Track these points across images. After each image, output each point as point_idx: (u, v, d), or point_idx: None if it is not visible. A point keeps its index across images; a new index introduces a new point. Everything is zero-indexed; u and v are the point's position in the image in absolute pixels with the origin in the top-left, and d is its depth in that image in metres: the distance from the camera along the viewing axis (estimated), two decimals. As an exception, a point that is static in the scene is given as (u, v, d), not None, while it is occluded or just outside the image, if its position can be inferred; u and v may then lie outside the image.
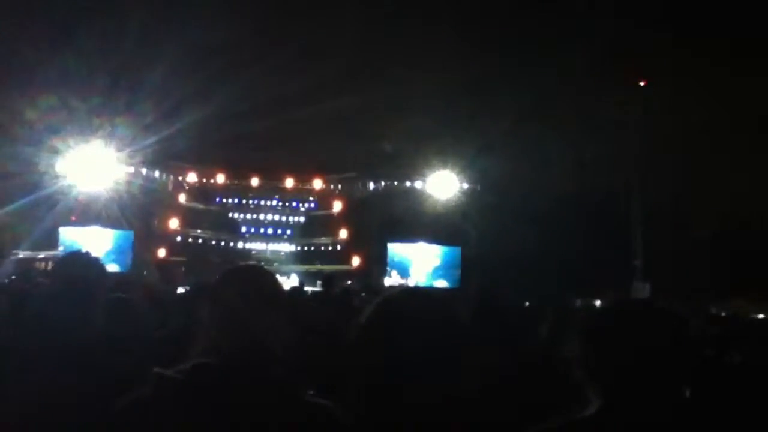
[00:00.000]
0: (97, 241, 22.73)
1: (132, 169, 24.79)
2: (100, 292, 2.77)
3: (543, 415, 1.64)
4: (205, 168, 27.59)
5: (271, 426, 1.51)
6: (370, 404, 1.68)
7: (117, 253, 22.97)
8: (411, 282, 25.30)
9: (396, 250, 25.73)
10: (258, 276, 1.76)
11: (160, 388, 1.54)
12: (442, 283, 24.51)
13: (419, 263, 25.46)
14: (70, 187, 22.34)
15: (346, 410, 1.61)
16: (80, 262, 2.81)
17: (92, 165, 22.52)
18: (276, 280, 1.82)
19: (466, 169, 25.50)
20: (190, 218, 27.79)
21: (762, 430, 2.21)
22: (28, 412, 2.14)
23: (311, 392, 1.67)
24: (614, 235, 22.19)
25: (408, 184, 27.24)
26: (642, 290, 20.30)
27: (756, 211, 21.69)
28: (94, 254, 3.04)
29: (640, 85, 21.87)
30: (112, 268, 18.78)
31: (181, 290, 6.30)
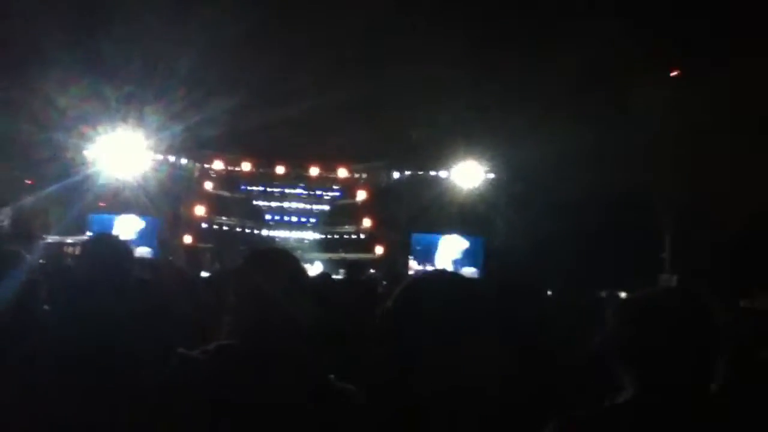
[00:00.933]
0: (126, 227, 23.06)
1: (160, 157, 25.06)
2: (129, 274, 2.81)
3: (572, 404, 1.63)
4: (231, 156, 27.79)
5: (292, 408, 1.51)
6: (393, 386, 1.68)
7: (145, 238, 23.27)
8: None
9: (420, 240, 25.72)
10: (282, 259, 1.77)
11: (183, 368, 1.55)
12: (466, 272, 24.43)
13: (443, 253, 25.42)
14: (99, 173, 22.63)
15: (368, 395, 1.61)
16: (108, 244, 2.86)
17: (121, 152, 22.79)
18: (299, 264, 1.82)
19: (492, 159, 25.33)
20: (216, 205, 28.05)
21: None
22: (63, 391, 2.18)
23: (332, 376, 1.67)
24: (642, 228, 21.94)
25: (433, 173, 27.17)
26: (669, 283, 20.08)
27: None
28: (121, 238, 3.09)
29: (671, 76, 21.52)
30: (142, 251, 19.04)
31: (204, 275, 6.36)
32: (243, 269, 1.77)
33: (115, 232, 22.66)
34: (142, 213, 23.77)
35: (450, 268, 24.55)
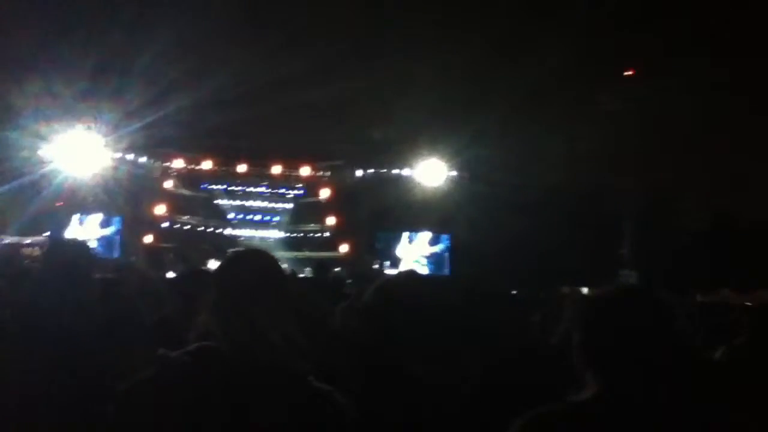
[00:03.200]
0: (85, 227, 22.63)
1: (118, 155, 24.61)
2: (90, 278, 2.76)
3: (539, 399, 1.65)
4: (192, 154, 27.43)
5: (275, 408, 1.51)
6: (368, 385, 1.69)
7: (105, 238, 22.88)
8: (400, 269, 25.43)
9: (384, 238, 25.81)
10: (261, 260, 1.76)
11: (165, 370, 1.53)
12: (427, 270, 24.61)
13: (407, 251, 25.57)
14: (56, 172, 22.14)
15: (346, 394, 1.62)
16: (70, 248, 2.81)
17: (78, 150, 22.32)
18: (278, 265, 1.81)
19: (456, 157, 25.51)
20: (177, 204, 27.66)
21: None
22: (26, 394, 2.13)
23: (311, 377, 1.67)
24: (603, 226, 22.33)
25: (397, 171, 27.25)
26: (629, 278, 20.47)
27: (744, 201, 21.94)
28: (82, 240, 3.03)
29: (630, 76, 21.91)
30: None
31: (170, 275, 6.27)
32: (222, 271, 1.75)
33: (73, 232, 22.20)
34: (100, 212, 23.35)
35: (412, 266, 24.70)
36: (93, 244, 20.81)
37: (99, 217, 23.24)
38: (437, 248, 25.60)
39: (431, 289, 1.80)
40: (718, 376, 3.12)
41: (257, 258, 1.77)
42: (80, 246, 2.92)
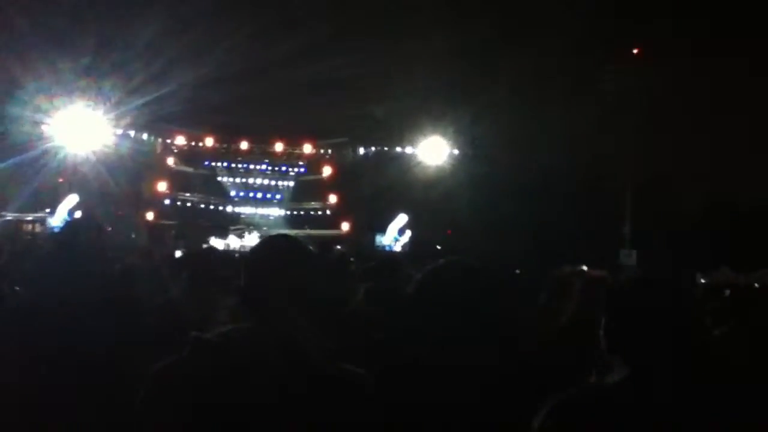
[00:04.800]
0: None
1: (120, 132, 24.55)
2: (103, 255, 2.80)
3: (561, 384, 1.67)
4: (194, 131, 27.32)
5: (308, 390, 1.53)
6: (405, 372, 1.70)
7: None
8: (398, 247, 25.56)
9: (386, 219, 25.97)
10: (292, 246, 1.77)
11: (199, 351, 1.55)
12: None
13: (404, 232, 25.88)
14: (57, 149, 22.10)
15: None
16: (82, 227, 2.84)
17: (80, 127, 22.26)
18: (308, 251, 1.82)
19: (458, 135, 25.42)
20: (178, 182, 27.63)
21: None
22: (44, 372, 2.16)
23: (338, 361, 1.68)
24: (604, 206, 22.31)
25: (399, 149, 27.19)
26: (628, 257, 20.52)
27: (743, 184, 21.92)
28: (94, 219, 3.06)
29: (633, 55, 21.76)
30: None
31: (177, 254, 6.30)
32: (257, 253, 1.77)
33: (71, 208, 22.12)
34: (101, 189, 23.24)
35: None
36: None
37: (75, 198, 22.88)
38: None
39: (480, 277, 1.81)
40: (723, 358, 3.15)
41: (288, 243, 1.78)
42: (93, 224, 2.94)
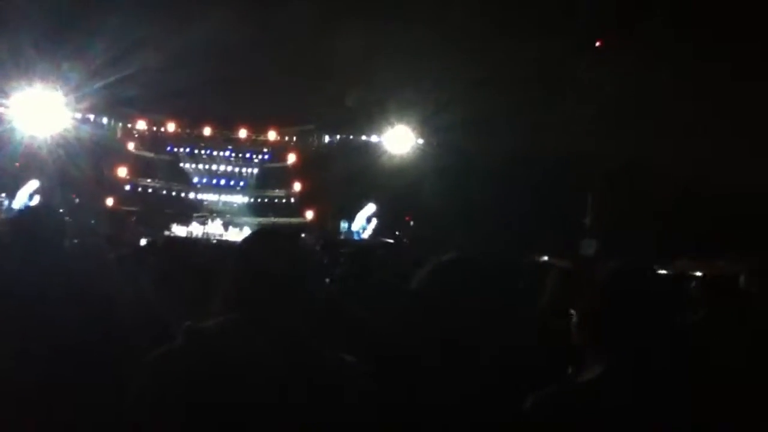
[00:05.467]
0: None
1: (80, 115, 24.01)
2: (61, 244, 2.76)
3: (540, 380, 1.67)
4: (156, 116, 26.90)
5: (303, 379, 1.54)
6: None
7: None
8: (366, 234, 25.65)
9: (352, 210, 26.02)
10: (287, 239, 1.78)
11: (193, 341, 1.55)
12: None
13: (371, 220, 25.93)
14: (14, 132, 21.54)
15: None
16: (40, 213, 2.79)
17: (39, 110, 21.71)
18: (301, 243, 1.83)
19: (423, 125, 25.49)
20: (140, 167, 27.22)
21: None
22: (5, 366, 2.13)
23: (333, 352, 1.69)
24: (569, 195, 22.57)
25: (364, 138, 27.16)
26: (589, 247, 20.81)
27: (711, 174, 22.36)
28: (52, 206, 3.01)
29: (600, 46, 21.98)
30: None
31: (142, 242, 6.22)
32: (251, 245, 1.77)
33: (25, 193, 21.68)
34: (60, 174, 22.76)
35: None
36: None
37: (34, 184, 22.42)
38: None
39: (491, 274, 1.82)
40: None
41: (283, 237, 1.79)
42: (51, 212, 2.90)
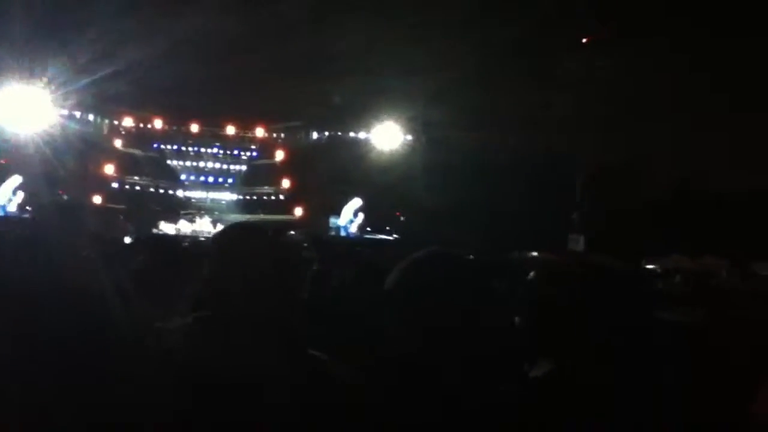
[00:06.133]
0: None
1: (65, 112, 23.82)
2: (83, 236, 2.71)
3: (492, 376, 1.65)
4: (143, 112, 26.74)
5: (276, 381, 1.51)
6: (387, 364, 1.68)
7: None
8: (353, 228, 25.64)
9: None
10: (262, 233, 1.75)
11: (161, 341, 1.52)
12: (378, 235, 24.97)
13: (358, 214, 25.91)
14: (0, 129, 21.36)
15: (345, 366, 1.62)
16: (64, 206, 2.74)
17: (24, 107, 21.52)
18: (279, 237, 1.79)
19: (411, 121, 25.50)
20: (127, 164, 27.02)
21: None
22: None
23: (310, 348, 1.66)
24: (558, 191, 22.64)
25: (352, 134, 27.12)
26: (576, 242, 20.90)
27: (703, 172, 22.51)
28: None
29: (592, 42, 22.04)
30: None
31: (127, 240, 6.14)
32: (225, 239, 1.73)
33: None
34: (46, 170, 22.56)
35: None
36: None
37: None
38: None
39: (465, 270, 1.78)
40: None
41: (258, 230, 1.76)
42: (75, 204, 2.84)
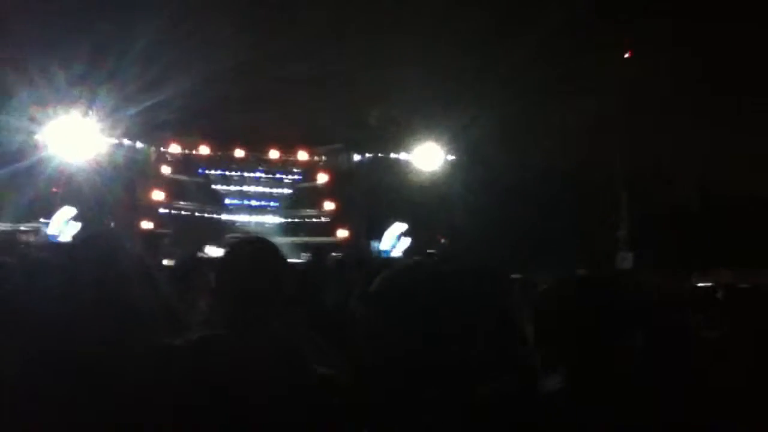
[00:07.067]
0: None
1: (114, 141, 24.49)
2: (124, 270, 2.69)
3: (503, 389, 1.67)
4: (189, 139, 27.36)
5: (278, 396, 1.50)
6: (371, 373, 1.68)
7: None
8: (396, 253, 25.55)
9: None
10: (261, 249, 1.74)
11: (167, 359, 1.52)
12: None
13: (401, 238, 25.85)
14: (51, 158, 22.01)
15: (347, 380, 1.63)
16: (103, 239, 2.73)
17: (74, 136, 22.17)
18: (278, 253, 1.79)
19: (452, 141, 25.45)
20: (173, 190, 27.60)
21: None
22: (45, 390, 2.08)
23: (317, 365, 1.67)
24: (600, 207, 22.32)
25: (393, 156, 27.21)
26: (626, 260, 20.47)
27: (739, 179, 21.98)
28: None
29: (626, 54, 21.79)
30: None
31: (167, 263, 6.23)
32: (225, 257, 1.73)
33: (64, 219, 22.11)
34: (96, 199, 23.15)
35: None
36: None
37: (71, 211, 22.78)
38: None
39: (440, 280, 1.81)
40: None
41: (257, 246, 1.76)
42: (114, 236, 2.82)
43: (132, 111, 21.66)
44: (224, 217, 28.25)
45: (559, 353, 1.61)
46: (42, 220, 22.59)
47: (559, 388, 1.59)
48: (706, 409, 1.71)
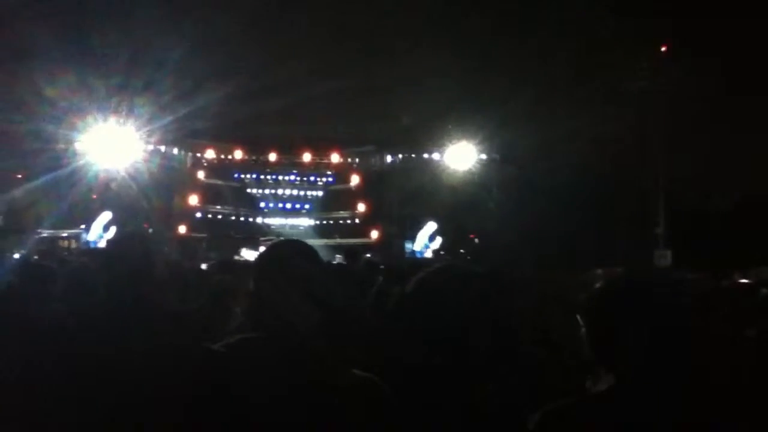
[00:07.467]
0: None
1: (151, 147, 24.90)
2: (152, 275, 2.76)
3: (550, 393, 1.65)
4: (223, 144, 27.67)
5: (320, 402, 1.51)
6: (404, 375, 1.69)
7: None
8: (429, 253, 25.49)
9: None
10: (304, 249, 1.76)
11: (210, 363, 1.55)
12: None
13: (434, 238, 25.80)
14: (90, 165, 22.47)
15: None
16: (135, 244, 2.80)
17: (112, 143, 22.60)
18: (311, 257, 1.79)
19: (485, 140, 25.27)
20: (209, 195, 27.97)
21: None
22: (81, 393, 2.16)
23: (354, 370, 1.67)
24: (637, 205, 22.00)
25: (426, 156, 27.14)
26: (664, 258, 20.12)
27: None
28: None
29: (662, 53, 21.46)
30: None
31: (203, 266, 6.34)
32: (265, 261, 1.76)
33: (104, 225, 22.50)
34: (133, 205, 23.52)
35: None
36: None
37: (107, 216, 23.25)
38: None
39: (472, 282, 1.82)
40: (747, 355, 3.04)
41: (290, 250, 1.77)
42: (146, 242, 2.88)
43: (168, 119, 22.00)
44: (259, 220, 28.52)
45: (617, 353, 1.58)
46: (82, 226, 23.07)
47: (609, 387, 1.58)
48: (741, 408, 1.69)
